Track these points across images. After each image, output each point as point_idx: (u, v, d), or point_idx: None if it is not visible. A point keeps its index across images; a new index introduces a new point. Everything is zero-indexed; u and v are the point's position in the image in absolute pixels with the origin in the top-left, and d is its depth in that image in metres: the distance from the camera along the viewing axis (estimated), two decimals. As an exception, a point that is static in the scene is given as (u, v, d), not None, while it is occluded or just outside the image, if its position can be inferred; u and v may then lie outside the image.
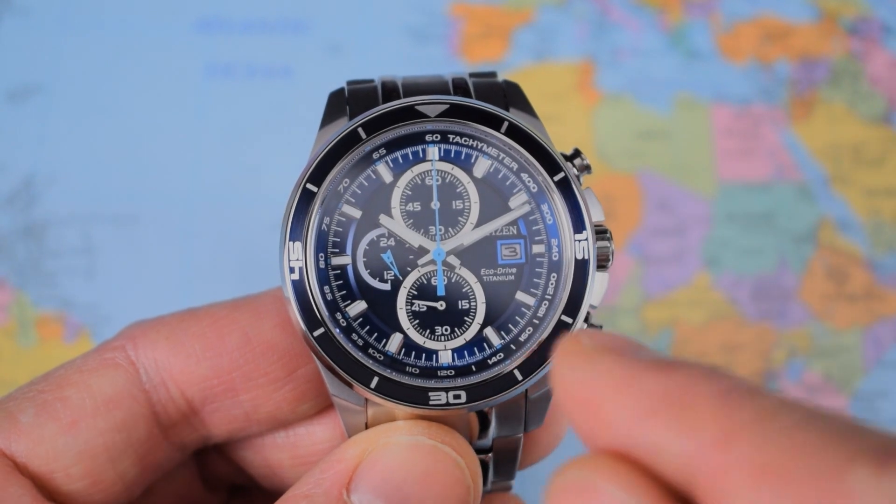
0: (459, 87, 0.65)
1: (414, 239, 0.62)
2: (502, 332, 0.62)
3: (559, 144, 0.64)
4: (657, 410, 0.39)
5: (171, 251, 0.98)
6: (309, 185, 0.61)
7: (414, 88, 0.64)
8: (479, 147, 0.63)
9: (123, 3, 1.06)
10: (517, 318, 0.62)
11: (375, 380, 0.59)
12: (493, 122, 0.62)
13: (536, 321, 0.62)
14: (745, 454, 0.36)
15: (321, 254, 0.61)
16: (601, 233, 0.62)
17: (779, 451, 0.36)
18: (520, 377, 0.59)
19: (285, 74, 1.05)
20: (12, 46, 1.04)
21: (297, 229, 0.60)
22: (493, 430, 0.62)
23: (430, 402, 0.59)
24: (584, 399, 0.41)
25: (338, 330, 0.60)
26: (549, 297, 0.62)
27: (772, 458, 0.36)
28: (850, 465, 0.35)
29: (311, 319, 0.59)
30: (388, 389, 0.59)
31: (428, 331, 0.61)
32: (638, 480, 0.39)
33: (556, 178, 0.62)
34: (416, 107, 0.62)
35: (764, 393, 0.38)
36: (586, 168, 0.63)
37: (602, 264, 0.62)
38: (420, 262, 0.62)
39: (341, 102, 0.63)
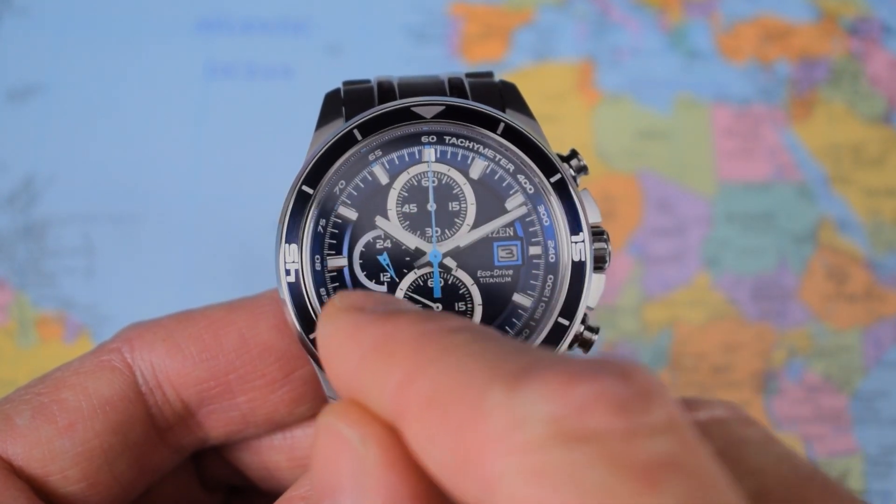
0: (455, 87, 0.64)
1: (410, 241, 0.62)
2: None
3: (559, 144, 0.64)
4: (366, 357, 0.40)
5: (171, 251, 0.98)
6: (305, 188, 0.61)
7: (410, 89, 0.64)
8: (475, 148, 0.63)
9: (124, 2, 1.06)
10: (514, 320, 0.62)
11: (372, 382, 0.59)
12: (490, 123, 0.62)
13: (533, 323, 0.61)
14: (419, 390, 0.38)
15: (317, 256, 0.61)
16: (598, 234, 0.62)
17: (443, 384, 0.37)
18: None
19: (285, 74, 1.05)
20: (12, 46, 1.04)
21: (292, 231, 0.60)
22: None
23: None
24: (323, 353, 0.43)
25: (334, 332, 0.60)
26: (546, 299, 0.62)
27: (437, 391, 0.37)
28: (487, 388, 0.36)
29: (307, 322, 0.59)
30: None
31: None
32: (370, 423, 0.40)
33: (553, 179, 0.62)
34: (413, 108, 0.62)
35: (458, 330, 0.39)
36: (583, 169, 0.63)
37: (599, 266, 0.62)
38: (416, 263, 0.62)
39: (337, 103, 0.63)
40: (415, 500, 0.39)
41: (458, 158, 0.63)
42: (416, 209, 0.62)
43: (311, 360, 0.60)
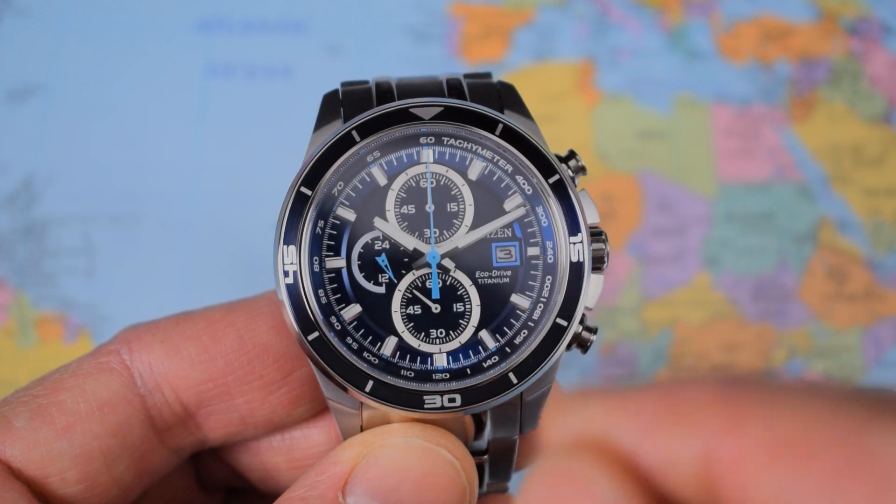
0: (454, 88, 0.64)
1: (408, 242, 0.62)
2: (497, 335, 0.61)
3: (559, 145, 0.64)
4: (657, 421, 0.38)
5: (171, 251, 0.98)
6: (303, 189, 0.60)
7: (408, 90, 0.64)
8: (473, 149, 0.62)
9: (124, 2, 1.06)
10: (512, 320, 0.62)
11: (370, 383, 0.59)
12: (488, 124, 0.61)
13: (532, 324, 0.61)
14: (758, 434, 0.36)
15: (315, 257, 0.61)
16: (596, 234, 0.62)
17: (791, 426, 0.35)
18: (515, 380, 0.59)
19: (285, 74, 1.05)
20: (12, 46, 1.04)
21: (291, 233, 0.60)
22: (488, 432, 0.62)
23: (425, 406, 0.58)
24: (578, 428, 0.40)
25: (332, 334, 0.60)
26: (545, 300, 0.61)
27: (786, 435, 0.35)
28: (868, 427, 0.34)
29: (305, 323, 0.59)
30: (383, 393, 0.59)
31: (423, 334, 0.61)
32: (625, 475, 0.38)
33: (551, 180, 0.61)
34: (411, 109, 0.61)
35: (758, 381, 0.38)
36: (581, 170, 0.63)
37: (597, 266, 0.62)
38: (415, 264, 0.62)
39: (335, 104, 0.63)
40: None
41: (457, 159, 0.63)
42: (414, 210, 0.62)
43: (310, 362, 0.60)
